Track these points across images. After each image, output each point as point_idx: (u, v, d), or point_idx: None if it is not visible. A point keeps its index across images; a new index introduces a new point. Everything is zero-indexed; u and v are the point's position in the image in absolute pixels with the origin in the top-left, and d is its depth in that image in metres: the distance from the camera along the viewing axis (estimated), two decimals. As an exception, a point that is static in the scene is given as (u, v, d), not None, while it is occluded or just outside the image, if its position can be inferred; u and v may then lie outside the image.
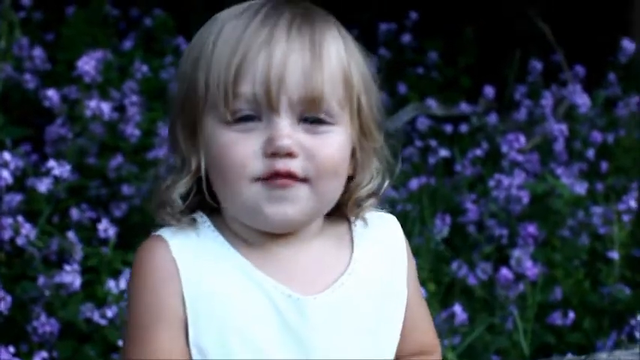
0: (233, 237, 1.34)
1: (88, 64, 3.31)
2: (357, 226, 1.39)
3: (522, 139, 3.54)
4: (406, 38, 5.03)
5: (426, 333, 1.47)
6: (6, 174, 2.62)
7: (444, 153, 3.81)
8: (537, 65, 4.71)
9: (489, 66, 5.12)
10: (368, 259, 1.38)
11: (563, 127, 3.84)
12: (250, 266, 1.32)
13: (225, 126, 1.30)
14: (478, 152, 3.70)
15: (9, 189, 2.93)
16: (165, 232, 1.34)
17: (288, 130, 1.28)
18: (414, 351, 1.45)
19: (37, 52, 3.69)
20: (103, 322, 2.56)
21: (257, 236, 1.34)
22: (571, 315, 2.97)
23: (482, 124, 4.48)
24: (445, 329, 2.84)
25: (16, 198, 2.97)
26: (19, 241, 2.59)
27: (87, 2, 4.32)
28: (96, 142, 3.42)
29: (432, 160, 3.91)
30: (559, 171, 3.65)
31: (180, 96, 1.35)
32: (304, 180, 1.29)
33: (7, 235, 2.60)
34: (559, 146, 3.97)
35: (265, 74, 1.27)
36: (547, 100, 4.27)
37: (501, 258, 3.38)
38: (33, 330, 2.53)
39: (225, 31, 1.31)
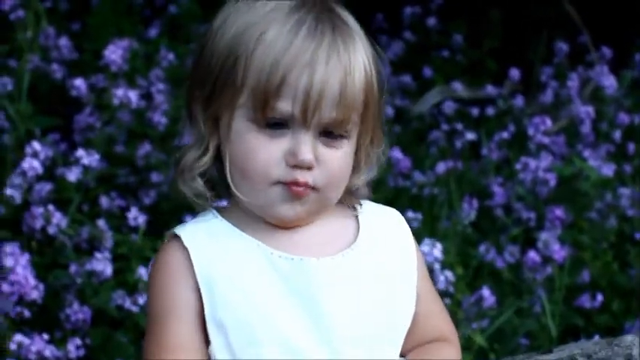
0: (241, 220, 1.45)
1: (114, 53, 3.33)
2: (363, 212, 1.49)
3: (548, 121, 3.54)
4: (431, 21, 5.02)
5: (441, 321, 1.52)
6: (36, 164, 2.65)
7: (470, 136, 3.81)
8: (563, 47, 4.69)
9: (515, 48, 5.11)
10: (372, 242, 1.47)
11: (590, 109, 3.84)
12: (256, 242, 1.42)
13: (255, 127, 1.39)
14: (504, 135, 3.70)
15: (39, 178, 2.97)
16: (178, 228, 1.45)
17: (311, 146, 1.39)
18: (430, 339, 1.50)
19: (64, 41, 3.71)
20: (134, 308, 2.60)
21: (265, 223, 1.44)
22: (599, 297, 2.98)
23: (509, 107, 4.48)
24: (473, 313, 2.86)
25: (46, 187, 3.01)
26: (50, 229, 2.62)
27: (112, -9, 4.34)
28: (124, 130, 3.45)
29: (458, 143, 3.91)
30: (586, 153, 3.65)
31: (207, 79, 1.41)
32: (314, 188, 1.41)
33: (39, 224, 2.63)
34: (586, 128, 3.97)
35: (305, 97, 1.36)
36: (573, 82, 4.26)
37: (529, 241, 3.39)
38: (66, 317, 2.57)
39: (268, 37, 1.38)
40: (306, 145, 1.38)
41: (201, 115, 1.43)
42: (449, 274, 2.64)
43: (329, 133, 1.40)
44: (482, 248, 3.25)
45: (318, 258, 1.43)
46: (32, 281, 2.40)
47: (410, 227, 1.54)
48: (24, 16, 3.54)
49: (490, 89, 4.73)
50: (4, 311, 2.40)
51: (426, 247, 2.52)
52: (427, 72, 4.73)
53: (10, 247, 2.48)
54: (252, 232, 1.44)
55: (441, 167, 3.59)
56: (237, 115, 1.39)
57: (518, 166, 3.37)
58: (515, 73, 4.62)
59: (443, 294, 2.67)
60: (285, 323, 1.40)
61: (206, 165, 1.43)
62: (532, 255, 2.93)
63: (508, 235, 3.40)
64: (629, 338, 1.88)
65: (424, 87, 4.78)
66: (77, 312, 2.57)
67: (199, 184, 1.43)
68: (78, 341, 2.49)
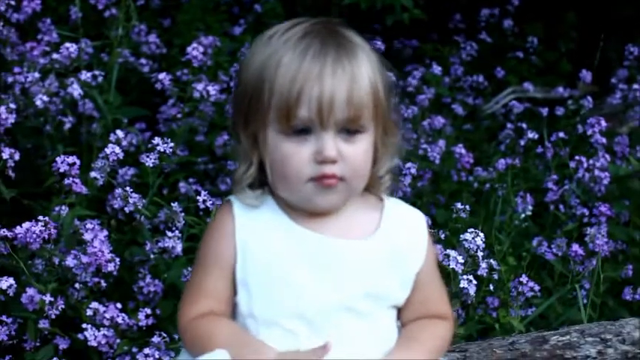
0: (286, 206, 1.74)
1: (196, 50, 3.56)
2: (388, 205, 1.79)
3: (603, 122, 3.68)
4: (507, 23, 5.17)
5: (440, 303, 1.82)
6: (118, 149, 2.89)
7: (532, 135, 3.97)
8: (634, 50, 4.79)
9: (590, 50, 5.21)
10: (391, 231, 1.76)
11: (648, 112, 3.95)
12: (293, 223, 1.72)
13: (285, 137, 1.69)
14: (561, 134, 3.85)
15: (123, 163, 3.23)
16: (234, 196, 1.76)
17: (332, 143, 1.67)
18: (430, 315, 1.80)
19: (152, 37, 3.98)
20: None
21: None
22: (640, 290, 3.12)
23: (578, 108, 4.60)
24: (520, 300, 3.03)
25: (129, 172, 3.28)
26: (127, 209, 2.87)
27: (202, -11, 4.57)
28: (205, 121, 3.69)
29: (522, 141, 4.07)
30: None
31: (243, 108, 1.73)
32: (341, 179, 1.69)
33: (118, 204, 2.89)
34: (647, 129, 4.09)
35: (318, 102, 1.66)
36: (639, 85, 4.37)
37: (582, 236, 3.54)
38: (139, 289, 2.80)
39: (283, 63, 1.68)
40: (328, 143, 1.67)
41: (243, 136, 1.74)
42: (492, 261, 2.82)
43: (346, 131, 1.68)
44: (535, 241, 3.42)
45: (347, 239, 1.71)
46: (108, 255, 2.64)
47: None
48: (117, 13, 3.78)
49: (562, 90, 4.86)
50: (83, 280, 2.65)
51: (469, 235, 2.70)
52: (500, 72, 4.88)
53: (91, 223, 2.74)
54: (293, 215, 1.73)
55: (501, 164, 3.75)
56: (270, 130, 1.70)
57: (572, 164, 3.53)
58: (586, 75, 4.73)
59: (485, 280, 2.86)
60: (305, 293, 1.69)
61: (252, 176, 1.74)
62: (576, 248, 3.09)
63: (563, 230, 3.55)
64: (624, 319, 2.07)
65: (497, 87, 4.93)
66: (149, 285, 2.79)
67: (248, 194, 1.74)
68: (148, 311, 2.69)
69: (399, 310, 1.80)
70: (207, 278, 1.71)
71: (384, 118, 1.73)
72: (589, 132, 3.70)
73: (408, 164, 3.57)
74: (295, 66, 1.67)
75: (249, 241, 1.70)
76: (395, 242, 1.76)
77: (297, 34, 1.70)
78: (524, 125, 4.13)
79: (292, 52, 1.68)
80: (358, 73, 1.68)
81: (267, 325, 1.70)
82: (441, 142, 3.92)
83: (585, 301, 3.14)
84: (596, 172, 3.53)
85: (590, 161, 3.56)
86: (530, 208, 3.55)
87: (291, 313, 1.68)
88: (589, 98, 4.61)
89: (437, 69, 4.51)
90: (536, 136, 3.96)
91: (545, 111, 4.53)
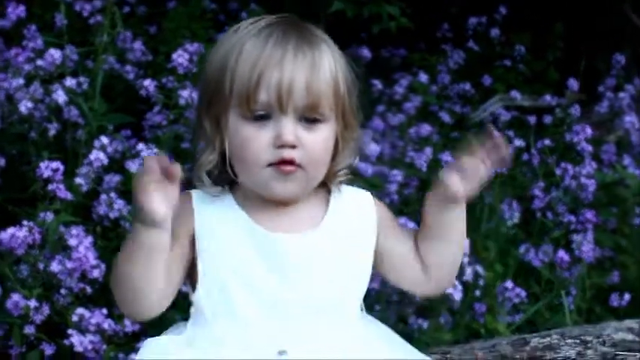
0: (243, 201, 1.77)
1: (181, 57, 3.56)
2: (335, 193, 1.80)
3: (589, 129, 3.69)
4: (495, 32, 5.18)
5: (415, 266, 1.83)
6: (102, 156, 2.89)
7: (518, 143, 3.98)
8: (620, 59, 4.82)
9: (577, 59, 5.23)
10: (338, 217, 1.78)
11: (635, 120, 3.97)
12: (248, 219, 1.74)
13: (245, 121, 1.71)
14: (547, 142, 3.86)
15: (108, 170, 3.21)
16: (194, 190, 1.78)
17: (291, 128, 1.70)
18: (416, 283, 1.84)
19: (137, 44, 3.97)
20: (184, 288, 2.81)
21: (262, 201, 1.76)
22: (626, 296, 3.13)
23: (565, 116, 4.61)
24: (508, 306, 3.04)
25: (114, 178, 3.26)
26: (112, 215, 2.86)
27: (188, -3, 4.58)
28: (190, 128, 3.67)
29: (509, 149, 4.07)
30: (626, 161, 3.79)
31: (207, 94, 1.76)
32: (299, 166, 1.71)
33: (103, 210, 2.88)
34: (635, 138, 4.10)
35: (278, 87, 1.68)
36: (626, 93, 4.39)
37: (570, 243, 3.54)
38: (124, 296, 2.80)
39: (246, 49, 1.71)
40: (287, 127, 1.69)
41: (207, 122, 1.75)
42: (478, 268, 2.82)
43: (306, 119, 1.70)
44: (522, 248, 3.42)
45: (288, 233, 1.74)
46: (93, 260, 2.63)
47: None
48: (102, 20, 3.77)
49: (549, 99, 4.87)
50: (69, 286, 2.64)
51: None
52: (487, 80, 4.89)
53: (76, 230, 2.73)
54: (247, 209, 1.75)
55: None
56: (231, 115, 1.72)
57: (558, 172, 3.53)
58: (573, 83, 4.74)
59: (471, 286, 2.86)
60: (255, 277, 1.72)
61: (214, 161, 1.75)
62: (562, 254, 3.10)
63: (550, 237, 3.56)
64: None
65: (485, 95, 4.94)
66: (135, 291, 2.78)
67: (206, 179, 1.75)
68: (134, 316, 2.69)
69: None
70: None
71: (344, 112, 1.75)
72: (575, 139, 3.71)
73: (394, 171, 3.57)
74: (257, 52, 1.70)
75: (205, 232, 1.73)
76: (344, 225, 1.78)
77: (261, 25, 1.74)
78: (511, 133, 4.13)
79: (255, 40, 1.71)
80: (319, 62, 1.71)
81: (226, 318, 1.72)
82: (428, 150, 3.91)
83: (572, 307, 3.15)
84: (583, 180, 3.53)
85: (577, 169, 3.57)
86: (517, 215, 3.56)
87: (250, 307, 1.71)
88: (577, 106, 4.63)
89: (424, 77, 4.51)
90: (524, 144, 3.97)
91: (532, 119, 4.55)
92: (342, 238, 1.77)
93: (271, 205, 1.76)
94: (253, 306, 1.71)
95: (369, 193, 1.85)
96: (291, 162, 1.70)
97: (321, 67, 1.71)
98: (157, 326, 2.77)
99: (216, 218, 1.74)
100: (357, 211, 1.81)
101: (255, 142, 1.70)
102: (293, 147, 1.70)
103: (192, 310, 1.77)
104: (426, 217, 1.80)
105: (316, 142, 1.72)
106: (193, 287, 1.76)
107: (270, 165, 1.70)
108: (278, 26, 1.73)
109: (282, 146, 1.70)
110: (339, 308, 1.77)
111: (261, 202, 1.76)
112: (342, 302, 1.77)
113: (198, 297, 1.74)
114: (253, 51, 1.70)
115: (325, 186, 1.81)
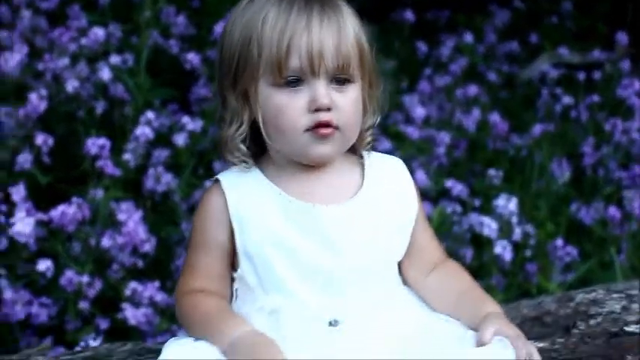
0: (271, 172, 1.76)
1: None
2: (367, 160, 1.80)
3: (638, 84, 3.64)
4: (540, -11, 5.12)
5: (436, 249, 1.83)
6: (148, 130, 2.91)
7: (566, 100, 3.94)
8: (669, 10, 4.73)
9: (626, 12, 5.15)
10: (375, 185, 1.78)
11: (685, 71, 3.91)
12: (279, 190, 1.74)
13: (277, 89, 1.70)
14: (595, 98, 3.81)
15: (158, 144, 3.24)
16: (221, 174, 1.76)
17: (325, 91, 1.70)
18: (433, 263, 1.82)
19: (181, 19, 3.98)
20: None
21: (291, 168, 1.76)
22: (680, 251, 3.09)
23: (614, 71, 4.55)
24: (562, 264, 3.02)
25: (163, 153, 3.29)
26: (159, 188, 2.88)
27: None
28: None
29: (558, 107, 4.04)
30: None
31: (231, 65, 1.74)
32: (336, 128, 1.71)
33: (150, 184, 2.90)
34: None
35: (308, 51, 1.69)
36: (676, 45, 4.32)
37: (620, 200, 3.51)
38: (176, 268, 2.83)
39: (270, 18, 1.71)
40: (321, 91, 1.69)
41: (232, 96, 1.73)
42: (528, 227, 2.80)
43: (337, 81, 1.71)
44: (573, 206, 3.40)
45: (327, 205, 1.73)
46: (143, 235, 2.66)
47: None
48: (145, -4, 3.79)
49: (598, 54, 4.81)
50: (120, 261, 2.67)
51: (501, 201, 2.69)
52: (534, 38, 4.84)
53: (125, 205, 2.75)
54: (278, 181, 1.75)
55: (537, 130, 3.73)
56: (261, 85, 1.71)
57: (608, 127, 3.49)
58: (622, 37, 4.68)
59: (521, 246, 2.85)
60: (300, 254, 1.71)
61: (244, 133, 1.74)
62: (613, 211, 3.07)
63: (601, 194, 3.52)
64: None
65: (532, 54, 4.89)
66: (186, 263, 2.81)
67: (243, 150, 1.74)
68: (185, 289, 2.72)
69: (400, 266, 1.82)
70: (198, 257, 1.75)
71: (369, 71, 1.77)
72: (624, 94, 3.66)
73: (442, 134, 3.55)
74: (283, 19, 1.70)
75: (243, 214, 1.72)
76: (383, 193, 1.78)
77: None
78: (559, 91, 4.09)
79: (278, 8, 1.72)
80: (343, 25, 1.73)
81: (275, 292, 1.71)
82: (476, 111, 3.89)
83: (624, 263, 3.12)
84: (633, 135, 3.49)
85: (627, 124, 3.53)
86: (567, 173, 3.53)
87: (297, 280, 1.70)
88: (626, 61, 4.56)
89: (469, 37, 4.48)
90: (572, 101, 3.93)
91: (582, 75, 4.50)
92: (381, 206, 1.77)
93: (303, 174, 1.76)
94: (299, 278, 1.71)
95: (399, 159, 1.85)
96: (328, 124, 1.71)
97: (346, 30, 1.73)
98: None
99: (249, 197, 1.74)
100: (393, 178, 1.81)
101: (290, 108, 1.70)
102: (328, 109, 1.70)
103: (236, 286, 1.76)
104: (448, 308, 1.77)
105: (349, 103, 1.73)
106: (233, 266, 1.76)
107: (307, 130, 1.70)
108: None
109: (317, 110, 1.70)
110: (382, 275, 1.77)
111: (292, 172, 1.76)
112: (384, 270, 1.78)
113: (242, 273, 1.74)
114: (279, 19, 1.70)
115: (353, 150, 1.81)
